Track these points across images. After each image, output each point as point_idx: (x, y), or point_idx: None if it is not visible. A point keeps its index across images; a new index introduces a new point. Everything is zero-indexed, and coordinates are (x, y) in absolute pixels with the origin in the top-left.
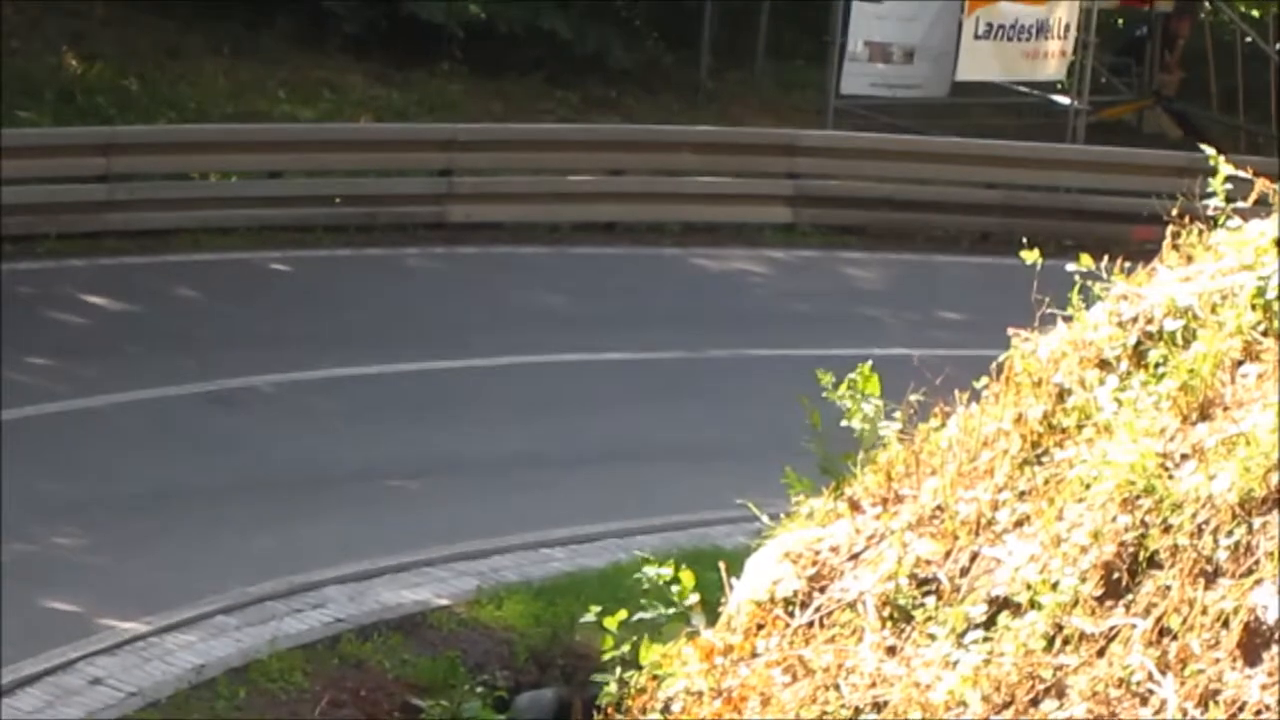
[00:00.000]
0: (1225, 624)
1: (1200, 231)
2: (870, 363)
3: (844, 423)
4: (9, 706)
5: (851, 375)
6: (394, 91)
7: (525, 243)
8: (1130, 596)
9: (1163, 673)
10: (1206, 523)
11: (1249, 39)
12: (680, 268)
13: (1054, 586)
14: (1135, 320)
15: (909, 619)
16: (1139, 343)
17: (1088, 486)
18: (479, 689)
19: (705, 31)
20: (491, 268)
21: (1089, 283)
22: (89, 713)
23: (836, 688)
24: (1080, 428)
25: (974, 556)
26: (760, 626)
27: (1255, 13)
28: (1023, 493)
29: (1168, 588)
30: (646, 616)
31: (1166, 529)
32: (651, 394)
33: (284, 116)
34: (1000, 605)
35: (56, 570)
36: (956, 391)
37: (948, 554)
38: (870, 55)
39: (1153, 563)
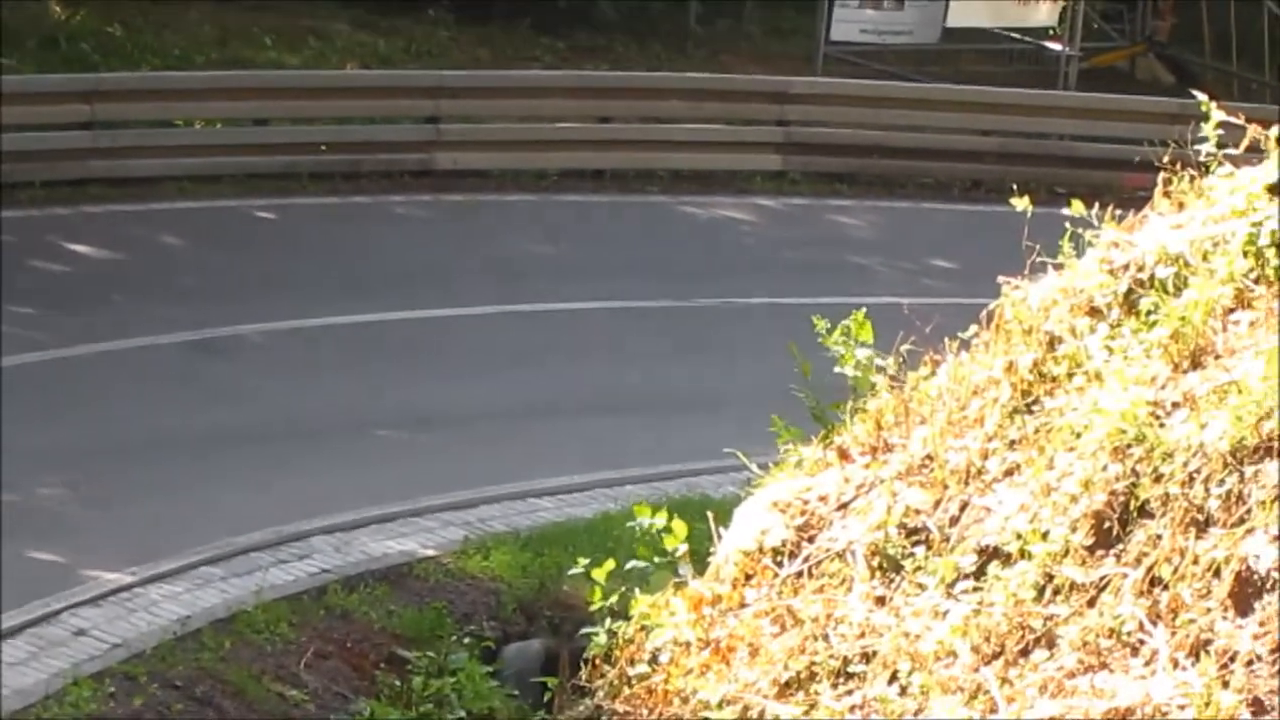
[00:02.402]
0: (1217, 573)
1: (1192, 178)
2: (864, 310)
3: (837, 369)
4: None
5: (845, 322)
6: (380, 39)
7: (512, 190)
8: (1121, 546)
9: (1154, 623)
10: (1198, 471)
11: None
12: (669, 216)
13: (1044, 536)
14: (1126, 267)
15: (898, 569)
16: (1130, 290)
17: (1078, 435)
18: (466, 640)
19: None
20: (478, 215)
21: (1080, 230)
22: (73, 664)
23: (825, 638)
24: (1071, 376)
25: (964, 506)
26: (749, 576)
27: None
28: (1013, 441)
29: (1159, 537)
30: (637, 565)
31: (1158, 478)
32: (640, 343)
33: (270, 63)
34: (990, 555)
35: (40, 521)
36: (947, 339)
37: (937, 503)
38: (861, 1)
39: (1144, 512)
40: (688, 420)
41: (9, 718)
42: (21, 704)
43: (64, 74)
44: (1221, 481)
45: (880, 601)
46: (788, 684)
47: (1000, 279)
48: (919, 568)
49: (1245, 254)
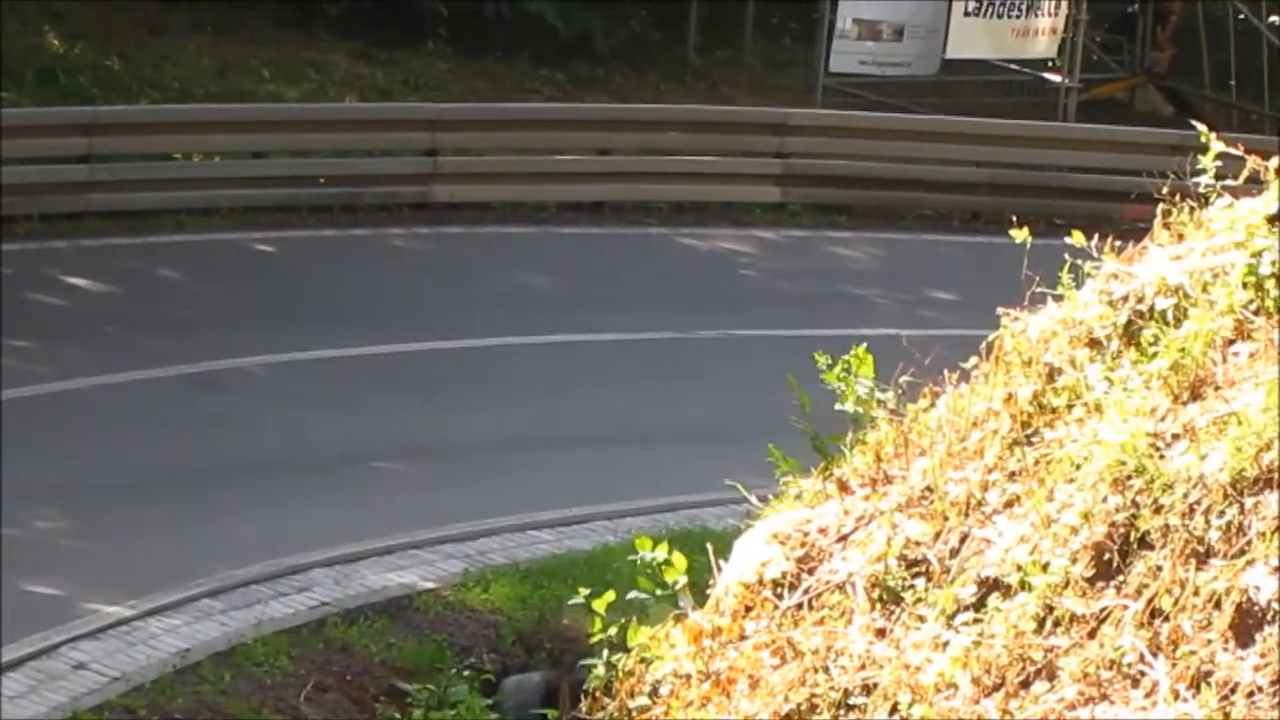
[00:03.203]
0: (1217, 605)
1: (1191, 209)
2: (865, 345)
3: (838, 406)
4: None
5: (846, 357)
6: (379, 71)
7: (511, 223)
8: (1121, 577)
9: (1154, 654)
10: (1198, 503)
11: (1241, 15)
12: (668, 247)
13: (1044, 567)
14: (1126, 299)
15: (898, 601)
16: (1130, 321)
17: (1078, 467)
18: (466, 672)
19: (693, 9)
20: (477, 248)
21: (1079, 261)
22: (72, 698)
23: (826, 670)
24: (1070, 407)
25: (964, 537)
26: (749, 609)
27: None
28: (1013, 473)
29: (1159, 568)
30: (639, 595)
31: (1158, 509)
32: (639, 375)
33: (268, 96)
34: (990, 586)
35: (39, 554)
36: (946, 371)
37: (937, 535)
38: (859, 33)
39: (1144, 543)
40: (688, 452)
41: None
42: None
43: (62, 107)
44: (1222, 513)
45: (880, 633)
46: (788, 716)
47: (999, 310)
48: (919, 600)
49: (1245, 285)
